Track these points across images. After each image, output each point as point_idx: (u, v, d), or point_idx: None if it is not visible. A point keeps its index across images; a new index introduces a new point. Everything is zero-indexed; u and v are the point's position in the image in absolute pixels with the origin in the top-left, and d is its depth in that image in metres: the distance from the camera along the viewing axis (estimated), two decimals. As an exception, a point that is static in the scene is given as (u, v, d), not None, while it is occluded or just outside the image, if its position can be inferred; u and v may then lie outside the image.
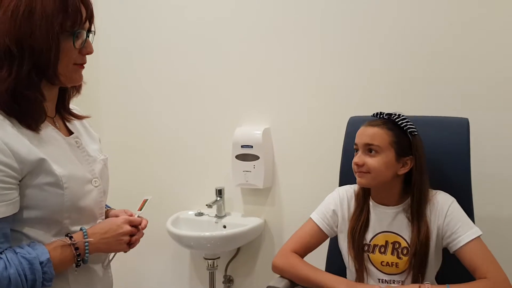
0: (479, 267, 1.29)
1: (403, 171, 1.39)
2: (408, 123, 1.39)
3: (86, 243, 1.03)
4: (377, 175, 1.37)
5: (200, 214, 2.28)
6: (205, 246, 2.10)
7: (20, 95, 0.97)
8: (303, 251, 1.47)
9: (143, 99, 2.46)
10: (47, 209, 1.00)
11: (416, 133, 1.39)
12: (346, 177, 1.66)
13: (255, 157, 2.14)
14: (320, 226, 1.48)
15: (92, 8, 1.04)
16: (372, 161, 1.36)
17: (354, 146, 1.43)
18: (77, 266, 1.03)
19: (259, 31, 2.15)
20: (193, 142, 2.35)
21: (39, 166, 0.98)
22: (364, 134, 1.40)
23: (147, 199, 1.24)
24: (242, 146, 2.16)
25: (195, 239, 2.07)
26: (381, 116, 1.43)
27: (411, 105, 1.83)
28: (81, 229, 1.05)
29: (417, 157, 1.38)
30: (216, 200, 2.21)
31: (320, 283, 1.35)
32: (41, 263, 0.94)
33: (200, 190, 2.32)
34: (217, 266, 2.20)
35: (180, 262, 2.44)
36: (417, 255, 1.36)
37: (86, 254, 1.03)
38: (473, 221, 1.42)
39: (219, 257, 2.21)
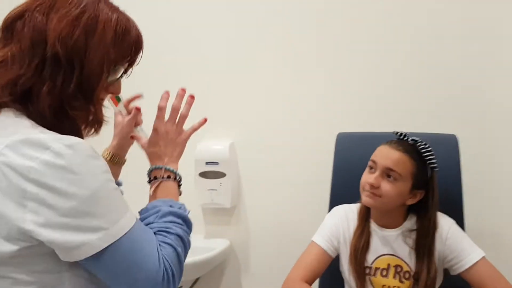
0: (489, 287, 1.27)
1: (410, 202, 1.35)
2: (432, 156, 1.34)
3: (173, 169, 1.00)
4: (388, 201, 1.33)
5: (156, 238, 2.07)
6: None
7: (67, 116, 0.85)
8: (312, 279, 1.37)
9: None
10: None
11: (437, 168, 1.35)
12: (338, 195, 1.61)
13: (221, 175, 1.99)
14: (326, 249, 1.40)
15: (141, 53, 0.95)
16: (388, 187, 1.31)
17: (370, 163, 1.36)
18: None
19: (228, 37, 2.02)
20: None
21: None
22: (388, 157, 1.32)
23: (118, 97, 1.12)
24: (206, 163, 2.00)
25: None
26: (405, 138, 1.37)
27: (397, 120, 1.81)
28: (154, 168, 1.00)
29: (434, 192, 1.35)
30: (177, 222, 2.02)
31: None
32: (179, 208, 0.93)
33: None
34: (179, 295, 2.01)
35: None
36: None
37: (178, 174, 1.01)
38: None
39: (181, 287, 2.01)
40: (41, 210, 0.75)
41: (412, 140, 1.36)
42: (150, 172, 1.00)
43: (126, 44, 0.91)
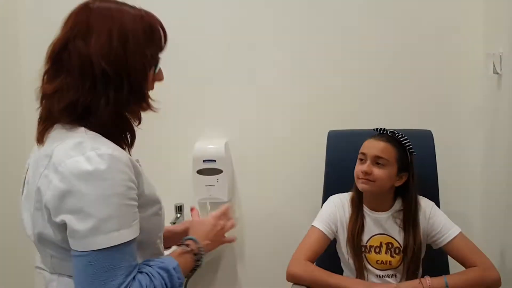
0: (468, 258, 1.51)
1: (398, 183, 1.58)
2: (408, 143, 1.57)
3: (201, 249, 1.07)
4: (380, 184, 1.54)
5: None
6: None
7: (123, 119, 0.99)
8: (313, 258, 1.55)
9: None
10: (149, 233, 1.01)
11: (414, 153, 1.58)
12: (331, 187, 1.79)
13: (218, 171, 2.14)
14: (325, 233, 1.59)
15: (167, 37, 1.05)
16: (379, 172, 1.52)
17: (360, 155, 1.57)
18: (193, 270, 1.06)
19: (222, 40, 2.13)
20: (148, 159, 2.25)
21: (156, 199, 1.03)
22: (375, 147, 1.55)
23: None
24: (204, 161, 2.15)
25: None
26: (385, 132, 1.59)
27: (381, 119, 2.00)
28: (189, 239, 1.08)
29: (413, 174, 1.57)
30: (177, 218, 2.16)
31: (339, 285, 1.46)
32: (173, 269, 0.95)
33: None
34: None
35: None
36: (413, 258, 1.55)
37: (202, 258, 1.07)
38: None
39: (183, 275, 2.15)
40: (54, 201, 0.87)
41: (391, 132, 1.60)
42: (187, 239, 1.08)
43: (156, 39, 1.01)
